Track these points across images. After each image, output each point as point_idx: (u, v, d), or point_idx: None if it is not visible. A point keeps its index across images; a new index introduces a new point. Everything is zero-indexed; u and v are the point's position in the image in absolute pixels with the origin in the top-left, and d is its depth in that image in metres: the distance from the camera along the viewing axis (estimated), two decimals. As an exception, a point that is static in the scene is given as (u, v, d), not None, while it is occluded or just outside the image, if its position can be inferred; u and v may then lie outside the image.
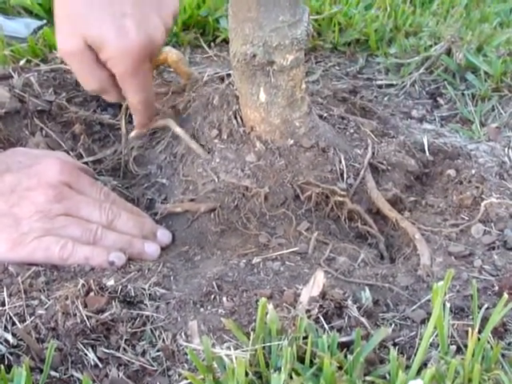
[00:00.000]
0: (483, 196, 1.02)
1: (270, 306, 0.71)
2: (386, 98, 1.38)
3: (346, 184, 1.02)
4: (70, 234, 0.91)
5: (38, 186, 0.91)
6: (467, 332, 0.69)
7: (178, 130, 1.07)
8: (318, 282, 0.78)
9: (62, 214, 0.91)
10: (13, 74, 1.20)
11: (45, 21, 1.52)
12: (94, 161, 1.13)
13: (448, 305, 0.74)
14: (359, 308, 0.78)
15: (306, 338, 0.70)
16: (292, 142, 1.01)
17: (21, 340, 0.75)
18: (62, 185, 0.93)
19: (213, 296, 0.81)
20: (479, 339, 0.70)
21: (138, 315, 0.79)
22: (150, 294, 0.82)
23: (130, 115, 1.21)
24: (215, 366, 0.69)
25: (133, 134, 1.13)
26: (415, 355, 0.70)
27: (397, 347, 0.74)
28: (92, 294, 0.78)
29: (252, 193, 0.99)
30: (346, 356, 0.69)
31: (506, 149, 1.17)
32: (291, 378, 0.66)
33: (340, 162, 1.03)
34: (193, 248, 0.97)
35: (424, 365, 0.70)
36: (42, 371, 0.71)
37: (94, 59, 0.97)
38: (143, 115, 1.07)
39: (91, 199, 0.95)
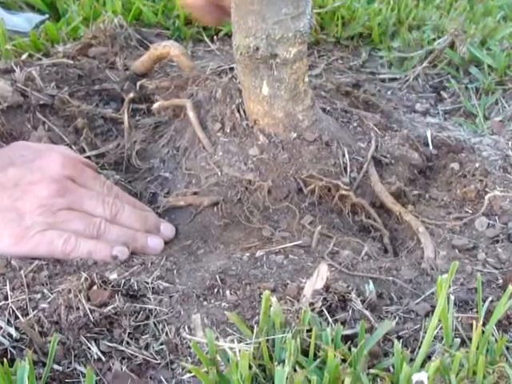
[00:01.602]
0: (487, 189, 1.01)
1: (274, 299, 0.71)
2: (389, 92, 1.38)
3: (350, 177, 1.02)
4: (73, 228, 0.90)
5: (41, 181, 0.91)
6: (471, 325, 0.69)
7: (192, 114, 1.06)
8: (321, 275, 0.78)
9: (64, 208, 0.91)
10: (15, 68, 1.19)
11: (47, 15, 1.52)
12: (96, 155, 1.13)
13: (452, 298, 0.74)
14: (363, 301, 0.78)
15: (309, 330, 0.70)
16: (295, 135, 1.01)
17: (24, 334, 0.74)
18: (65, 179, 0.93)
19: (216, 289, 0.81)
20: (483, 332, 0.69)
21: (141, 309, 0.78)
22: (153, 288, 0.82)
23: (133, 109, 1.21)
24: (219, 359, 0.69)
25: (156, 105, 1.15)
26: (419, 348, 0.69)
27: (401, 340, 0.74)
28: (95, 287, 0.78)
29: (255, 186, 0.99)
30: (349, 349, 0.69)
31: (510, 142, 1.17)
32: (295, 370, 0.66)
33: (343, 155, 1.03)
34: (196, 242, 0.97)
35: (428, 357, 0.70)
36: (45, 365, 0.71)
37: None
38: None
39: (94, 193, 0.95)
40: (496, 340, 0.70)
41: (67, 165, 0.94)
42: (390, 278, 0.86)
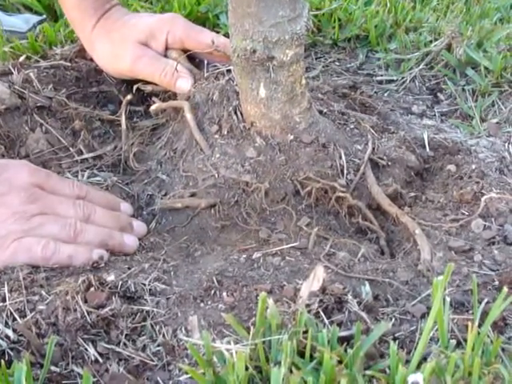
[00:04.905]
0: (483, 191, 1.01)
1: (270, 301, 0.71)
2: (386, 94, 1.38)
3: (346, 179, 1.02)
4: (49, 231, 0.90)
5: (10, 191, 0.90)
6: (467, 326, 0.69)
7: (189, 116, 1.07)
8: (318, 277, 0.78)
9: (37, 213, 0.91)
10: (12, 70, 1.19)
11: (44, 16, 1.52)
12: (94, 157, 1.13)
13: (448, 299, 0.74)
14: (359, 303, 0.78)
15: (306, 332, 0.70)
16: (292, 137, 1.01)
17: (21, 335, 0.75)
18: (34, 187, 0.92)
19: (213, 291, 0.82)
20: (479, 333, 0.70)
21: (138, 310, 0.79)
22: (150, 290, 0.82)
23: (130, 111, 1.21)
24: (215, 360, 0.69)
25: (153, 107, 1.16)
26: (415, 349, 0.70)
27: (397, 341, 0.74)
28: (92, 289, 0.78)
29: (252, 188, 0.99)
30: (346, 350, 0.69)
31: (506, 144, 1.17)
32: (291, 372, 0.66)
33: (340, 157, 1.03)
34: (193, 243, 0.98)
35: (424, 359, 0.70)
36: (42, 366, 0.71)
37: None
38: None
39: (64, 198, 0.95)
40: (491, 341, 0.71)
41: (33, 173, 0.94)
42: (387, 280, 0.86)
